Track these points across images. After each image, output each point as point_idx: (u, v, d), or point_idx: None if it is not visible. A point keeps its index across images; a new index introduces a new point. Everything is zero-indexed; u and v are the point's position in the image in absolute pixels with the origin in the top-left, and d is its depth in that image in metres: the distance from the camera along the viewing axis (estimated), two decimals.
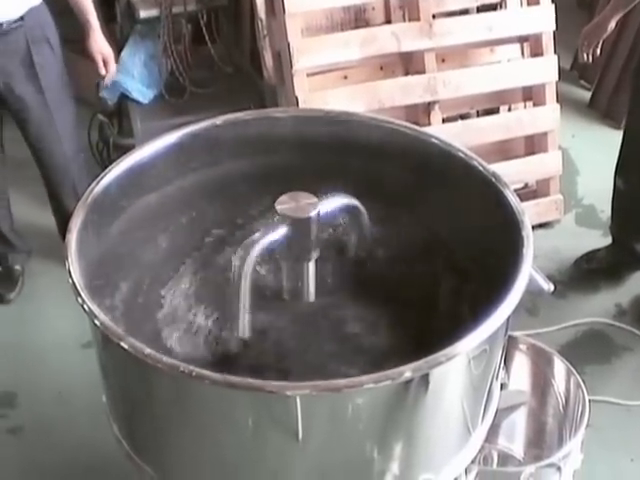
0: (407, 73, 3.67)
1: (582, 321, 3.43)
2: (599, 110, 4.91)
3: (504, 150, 3.86)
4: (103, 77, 3.33)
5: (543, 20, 3.80)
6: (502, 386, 1.90)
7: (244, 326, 1.66)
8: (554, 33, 3.82)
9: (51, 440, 2.96)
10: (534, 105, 3.90)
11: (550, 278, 1.80)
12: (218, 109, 2.29)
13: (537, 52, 3.83)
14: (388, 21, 3.72)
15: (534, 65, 3.84)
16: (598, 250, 3.73)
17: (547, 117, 3.86)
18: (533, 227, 1.73)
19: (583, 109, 4.95)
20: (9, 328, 3.44)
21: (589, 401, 2.39)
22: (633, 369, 3.26)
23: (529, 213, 1.77)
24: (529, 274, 1.63)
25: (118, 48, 3.79)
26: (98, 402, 1.86)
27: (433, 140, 2.00)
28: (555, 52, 3.84)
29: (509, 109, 4.01)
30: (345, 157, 2.04)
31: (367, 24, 3.69)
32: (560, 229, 3.99)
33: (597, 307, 3.52)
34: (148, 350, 1.45)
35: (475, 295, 1.73)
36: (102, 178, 1.84)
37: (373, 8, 3.71)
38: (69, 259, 1.62)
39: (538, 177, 3.98)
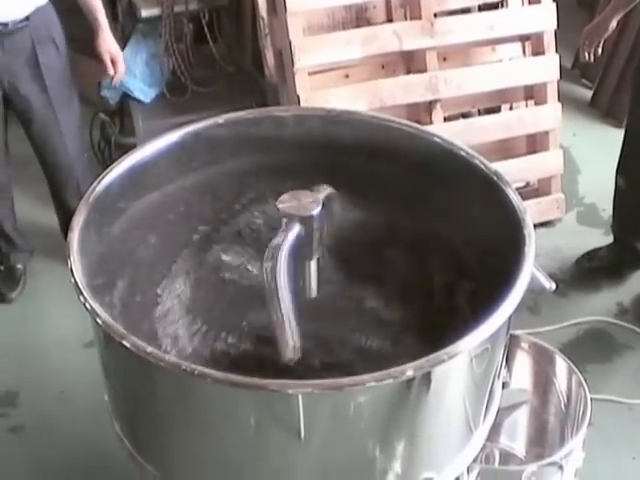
0: (408, 72, 3.67)
1: (584, 320, 3.43)
2: (600, 109, 4.91)
3: (505, 149, 3.85)
4: (111, 77, 3.32)
5: (544, 19, 3.80)
6: (504, 385, 1.91)
7: (294, 345, 1.55)
8: (555, 32, 3.82)
9: (53, 439, 2.96)
10: (535, 104, 3.90)
11: (552, 277, 1.80)
12: (220, 108, 2.30)
13: (538, 51, 3.83)
14: (389, 20, 3.72)
15: (535, 64, 3.83)
16: (600, 249, 3.73)
17: (548, 116, 3.86)
18: (534, 226, 1.73)
19: (584, 108, 4.95)
20: (11, 327, 3.45)
21: (591, 400, 2.38)
22: (635, 368, 3.26)
23: (530, 212, 1.77)
24: (531, 273, 1.63)
25: (120, 47, 3.78)
26: (100, 401, 1.86)
27: (435, 139, 2.00)
28: (556, 51, 3.84)
29: (510, 108, 4.01)
30: (346, 156, 2.04)
31: (368, 23, 3.70)
32: (561, 228, 3.99)
33: (599, 306, 3.52)
34: (150, 348, 1.46)
35: (477, 293, 1.73)
36: (104, 177, 1.84)
37: (374, 7, 3.71)
38: (71, 258, 1.62)
39: (539, 176, 3.98)
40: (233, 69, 4.22)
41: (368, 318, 1.86)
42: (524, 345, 2.58)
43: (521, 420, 2.60)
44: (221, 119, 2.04)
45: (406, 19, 3.69)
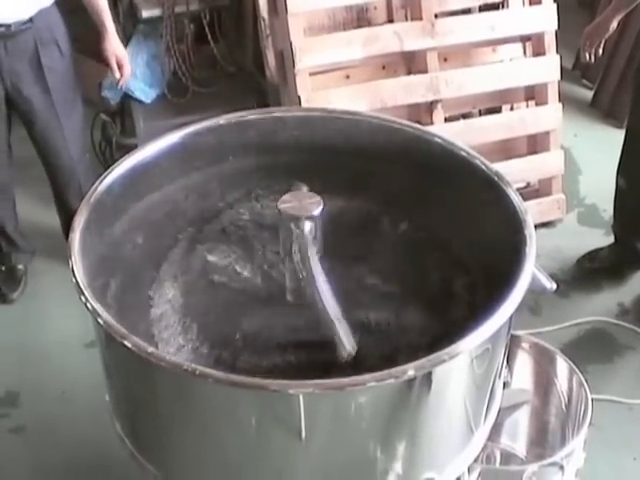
0: (409, 72, 3.67)
1: (584, 320, 3.43)
2: (601, 109, 4.91)
3: (506, 149, 3.86)
4: (117, 80, 3.33)
5: (545, 19, 3.80)
6: (505, 385, 1.91)
7: (349, 341, 1.53)
8: (556, 32, 3.82)
9: (54, 439, 2.96)
10: (536, 104, 3.90)
11: (553, 277, 1.80)
12: (221, 108, 2.30)
13: (539, 51, 3.83)
14: (390, 20, 3.72)
15: (536, 64, 3.84)
16: (600, 249, 3.73)
17: (549, 116, 3.86)
18: (535, 226, 1.73)
19: (585, 108, 4.95)
20: (12, 328, 3.45)
21: (591, 400, 2.39)
22: (635, 368, 3.26)
23: (531, 212, 1.77)
24: (532, 273, 1.63)
25: None
26: (101, 401, 1.86)
27: (436, 139, 2.00)
28: (557, 51, 3.84)
29: (511, 108, 4.01)
30: (347, 156, 2.05)
31: (369, 23, 3.70)
32: (562, 228, 3.99)
33: (599, 306, 3.52)
34: (151, 349, 1.46)
35: (478, 293, 1.73)
36: (105, 178, 1.84)
37: (375, 7, 3.71)
38: (72, 258, 1.62)
39: (540, 176, 3.98)
40: (234, 70, 4.22)
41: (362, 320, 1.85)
42: (525, 345, 2.58)
43: (522, 420, 2.60)
44: (222, 120, 2.04)
45: (407, 20, 3.69)
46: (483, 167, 1.89)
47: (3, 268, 3.64)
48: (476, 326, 1.49)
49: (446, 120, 3.72)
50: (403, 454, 1.60)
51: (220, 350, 1.69)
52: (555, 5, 3.80)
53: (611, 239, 3.73)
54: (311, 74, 3.48)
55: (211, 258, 1.92)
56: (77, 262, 1.62)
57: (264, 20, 3.84)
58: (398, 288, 1.84)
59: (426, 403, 1.55)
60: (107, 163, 4.02)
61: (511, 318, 1.59)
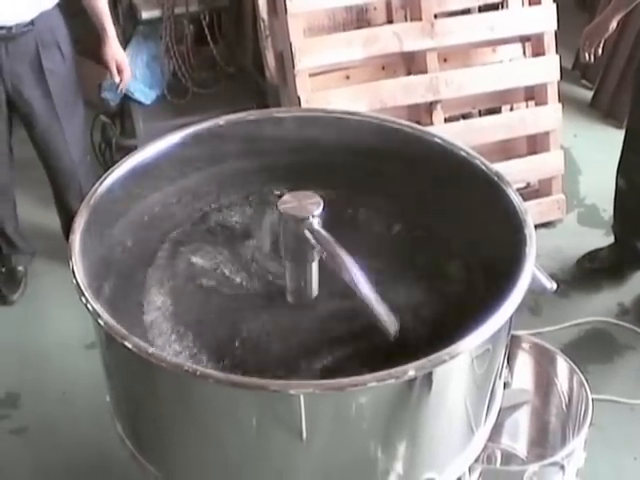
0: (409, 73, 3.67)
1: (585, 320, 3.43)
2: (601, 110, 4.91)
3: (506, 150, 3.86)
4: (117, 84, 3.34)
5: (545, 20, 3.80)
6: (505, 385, 1.90)
7: (392, 318, 1.55)
8: (556, 33, 3.83)
9: (55, 440, 2.96)
10: (536, 105, 3.90)
11: (553, 277, 1.80)
12: (220, 109, 2.30)
13: (539, 52, 3.84)
14: (390, 21, 3.72)
15: (536, 65, 3.84)
16: (600, 249, 3.73)
17: (549, 117, 3.87)
18: (535, 226, 1.73)
19: (585, 109, 4.96)
20: (12, 329, 3.45)
21: (592, 400, 2.39)
22: (636, 368, 3.26)
23: (531, 212, 1.77)
24: (532, 273, 1.63)
25: None
26: (102, 402, 1.86)
27: (435, 139, 2.00)
28: (557, 52, 3.84)
29: (511, 109, 4.01)
30: (347, 156, 2.04)
31: (369, 24, 3.70)
32: (562, 228, 4.00)
33: (600, 306, 3.53)
34: (152, 349, 1.46)
35: (478, 294, 1.73)
36: (105, 179, 1.84)
37: (375, 8, 3.72)
38: (73, 259, 1.62)
39: (540, 177, 3.98)
40: (234, 70, 4.23)
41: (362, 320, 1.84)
42: (525, 345, 2.58)
43: (522, 420, 2.60)
44: (222, 120, 2.04)
45: (406, 20, 3.69)
46: (483, 167, 1.89)
47: (3, 269, 3.64)
48: (476, 326, 1.49)
49: (446, 120, 3.73)
50: (404, 454, 1.60)
51: (219, 357, 1.68)
52: (554, 5, 3.80)
53: (611, 239, 3.73)
54: (311, 75, 3.48)
55: (196, 261, 1.90)
56: (77, 263, 1.61)
57: (264, 21, 3.84)
58: (397, 287, 1.84)
59: (427, 403, 1.55)
60: (107, 164, 4.03)
61: (511, 318, 1.59)
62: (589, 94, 5.05)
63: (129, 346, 1.46)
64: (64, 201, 3.47)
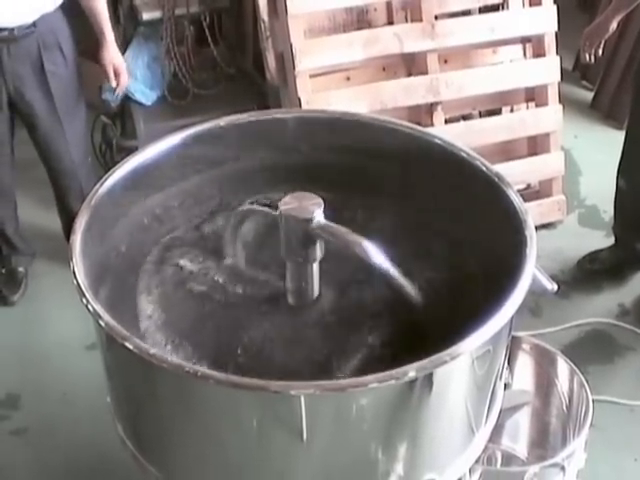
0: (409, 74, 3.67)
1: (585, 321, 3.43)
2: (601, 111, 4.91)
3: (506, 151, 3.86)
4: (114, 89, 3.35)
5: (545, 21, 3.80)
6: (506, 386, 1.90)
7: (412, 288, 1.66)
8: (556, 34, 3.83)
9: (55, 441, 2.96)
10: (536, 106, 3.90)
11: (553, 278, 1.80)
12: (221, 110, 2.30)
13: (539, 53, 3.84)
14: (390, 22, 3.73)
15: (536, 66, 3.84)
16: (601, 250, 3.73)
17: (549, 118, 3.87)
18: (536, 228, 1.73)
19: (585, 110, 4.96)
20: (13, 330, 3.45)
21: (592, 401, 2.39)
22: (636, 369, 3.26)
23: (532, 214, 1.77)
24: (532, 274, 1.63)
25: (121, 50, 3.80)
26: (102, 403, 1.86)
27: (436, 140, 2.00)
28: (557, 53, 3.84)
29: (511, 110, 4.02)
30: (347, 157, 2.05)
31: (369, 25, 3.70)
32: (563, 229, 4.00)
33: (600, 307, 3.53)
34: (153, 350, 1.46)
35: (479, 295, 1.73)
36: (106, 180, 1.84)
37: (375, 9, 3.72)
38: (73, 260, 1.62)
39: (541, 178, 3.98)
40: (234, 72, 4.23)
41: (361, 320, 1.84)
42: (526, 346, 2.59)
43: (523, 421, 2.60)
44: (222, 121, 2.04)
45: (407, 21, 3.70)
46: (483, 168, 1.89)
47: (4, 270, 3.65)
48: (477, 327, 1.49)
49: (446, 122, 3.73)
50: (404, 455, 1.60)
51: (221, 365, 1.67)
52: (555, 6, 3.80)
53: (611, 240, 3.73)
54: (311, 76, 3.48)
55: (187, 266, 1.89)
56: (78, 264, 1.61)
57: (264, 22, 3.85)
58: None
59: (427, 404, 1.55)
60: (107, 165, 4.04)
61: (512, 319, 1.59)
62: (589, 95, 5.06)
63: (130, 347, 1.46)
64: (65, 202, 3.47)
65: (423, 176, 1.98)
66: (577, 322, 3.41)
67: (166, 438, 1.67)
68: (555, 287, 1.79)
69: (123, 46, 3.95)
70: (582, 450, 2.34)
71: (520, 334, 2.59)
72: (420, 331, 1.72)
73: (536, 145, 3.91)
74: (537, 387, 2.59)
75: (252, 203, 1.92)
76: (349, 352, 1.68)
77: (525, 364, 2.59)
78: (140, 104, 4.04)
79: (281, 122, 2.11)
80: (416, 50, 3.61)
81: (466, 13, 3.86)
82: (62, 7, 3.11)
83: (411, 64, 3.67)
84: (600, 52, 3.38)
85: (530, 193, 3.94)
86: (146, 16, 3.94)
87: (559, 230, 3.99)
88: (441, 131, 3.52)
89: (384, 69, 3.67)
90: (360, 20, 3.72)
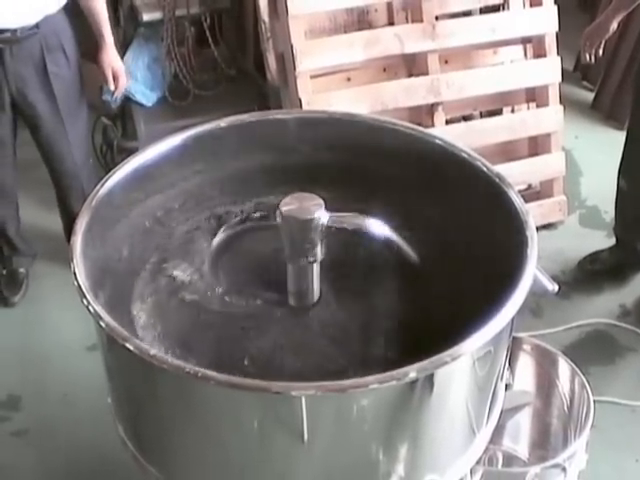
0: (410, 75, 3.67)
1: (586, 322, 3.43)
2: (602, 111, 4.91)
3: (507, 151, 3.86)
4: (113, 91, 3.35)
5: (546, 21, 3.80)
6: (507, 387, 1.90)
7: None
8: (557, 34, 3.82)
9: (56, 442, 2.96)
10: (537, 106, 3.90)
11: (554, 279, 1.80)
12: (222, 111, 2.29)
13: (540, 53, 3.84)
14: (391, 23, 3.73)
15: (537, 66, 3.84)
16: (602, 251, 3.73)
17: (550, 118, 3.87)
18: (537, 228, 1.73)
19: (586, 110, 4.96)
20: (14, 331, 3.45)
21: (593, 402, 2.39)
22: (637, 370, 3.26)
23: (533, 214, 1.77)
24: (533, 275, 1.63)
25: (122, 51, 3.80)
26: (103, 404, 1.86)
27: (437, 141, 2.00)
28: (558, 53, 3.84)
29: (512, 110, 4.01)
30: (348, 158, 2.04)
31: (370, 26, 3.70)
32: (564, 230, 3.99)
33: (601, 308, 3.52)
34: (154, 351, 1.46)
35: (480, 296, 1.73)
36: (106, 181, 1.84)
37: (376, 10, 3.72)
38: (74, 261, 1.62)
39: (541, 178, 3.98)
40: (235, 72, 4.23)
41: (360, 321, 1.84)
42: (527, 347, 2.58)
43: (524, 422, 2.60)
44: (223, 122, 2.04)
45: (408, 22, 3.70)
46: (484, 169, 1.89)
47: (4, 271, 3.65)
48: (478, 328, 1.49)
49: (447, 122, 3.73)
50: (405, 456, 1.60)
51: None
52: (556, 7, 3.80)
53: (612, 241, 3.73)
54: (312, 77, 3.48)
55: (178, 275, 1.87)
56: (79, 265, 1.61)
57: (265, 23, 3.85)
58: (397, 289, 1.84)
59: (428, 405, 1.55)
60: (108, 166, 4.03)
61: (513, 320, 1.59)
62: (590, 96, 5.05)
63: (130, 348, 1.46)
64: (66, 203, 3.47)
65: (424, 177, 1.98)
66: (578, 323, 3.41)
67: (167, 439, 1.67)
68: (556, 288, 1.79)
69: (123, 47, 3.95)
70: (583, 451, 2.34)
71: (521, 335, 2.59)
72: (420, 331, 1.72)
73: (537, 146, 3.91)
74: (538, 388, 2.59)
75: (243, 221, 1.89)
76: (353, 354, 1.68)
77: (526, 365, 2.59)
78: (141, 105, 4.04)
79: (282, 123, 2.11)
80: (417, 51, 3.61)
81: (467, 14, 3.86)
82: (65, 9, 3.11)
83: (412, 65, 3.67)
84: (600, 52, 3.38)
85: (531, 194, 3.94)
86: (146, 17, 3.94)
87: (560, 231, 3.99)
88: (442, 132, 3.52)
89: (385, 70, 3.67)
90: (361, 21, 3.72)
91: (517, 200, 1.79)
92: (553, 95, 3.86)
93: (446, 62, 3.73)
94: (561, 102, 3.89)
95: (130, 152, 2.06)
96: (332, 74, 3.58)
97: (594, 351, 3.30)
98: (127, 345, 1.46)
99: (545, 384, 2.58)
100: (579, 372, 2.49)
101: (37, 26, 3.02)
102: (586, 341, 3.36)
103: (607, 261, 3.70)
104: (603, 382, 3.07)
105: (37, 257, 3.71)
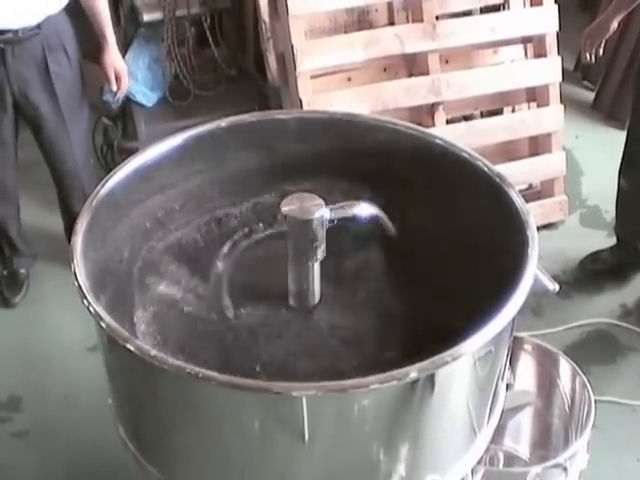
0: (411, 74, 3.67)
1: (587, 321, 3.43)
2: (603, 111, 4.91)
3: (508, 151, 3.86)
4: (115, 92, 3.35)
5: (546, 21, 3.80)
6: (508, 387, 1.90)
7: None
8: (557, 34, 3.82)
9: (57, 443, 2.96)
10: (538, 106, 3.90)
11: (555, 279, 1.80)
12: (222, 111, 2.29)
13: (540, 53, 3.83)
14: (391, 23, 3.73)
15: (538, 66, 3.84)
16: (603, 250, 3.73)
17: (551, 118, 3.87)
18: (537, 228, 1.73)
19: (587, 110, 4.96)
20: (14, 331, 3.45)
21: (595, 401, 2.39)
22: (638, 369, 3.26)
23: (533, 214, 1.77)
24: (534, 274, 1.63)
25: (122, 52, 3.80)
26: (104, 405, 1.86)
27: (437, 141, 2.00)
28: (558, 53, 3.84)
29: (513, 110, 4.01)
30: (348, 158, 2.04)
31: (370, 26, 3.70)
32: (565, 230, 3.99)
33: (602, 307, 3.52)
34: (154, 352, 1.46)
35: (480, 296, 1.73)
36: (107, 181, 1.84)
37: (376, 10, 3.72)
38: (75, 261, 1.62)
39: (542, 178, 3.98)
40: (235, 73, 4.23)
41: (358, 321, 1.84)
42: (528, 347, 2.58)
43: (525, 422, 2.60)
44: (224, 122, 2.04)
45: (408, 22, 3.70)
46: (485, 169, 1.89)
47: (5, 272, 3.65)
48: (479, 328, 1.49)
49: (448, 122, 3.73)
50: (406, 456, 1.60)
51: None
52: (556, 6, 3.80)
53: (613, 240, 3.73)
54: (312, 77, 3.48)
55: (166, 289, 1.85)
56: (79, 265, 1.61)
57: (265, 23, 3.85)
58: (398, 289, 1.84)
59: (429, 405, 1.54)
60: (109, 167, 4.03)
61: (514, 320, 1.59)
62: (591, 95, 5.05)
63: (131, 349, 1.46)
64: (68, 203, 3.47)
65: (424, 177, 1.98)
66: (579, 322, 3.41)
67: (168, 440, 1.67)
68: (557, 287, 1.79)
69: (124, 48, 3.95)
70: (584, 451, 2.33)
71: (522, 334, 2.59)
72: (421, 331, 1.72)
73: (537, 145, 3.91)
74: (539, 388, 2.58)
75: (247, 235, 1.80)
76: (355, 354, 1.68)
77: (527, 365, 2.59)
78: (141, 105, 4.04)
79: (282, 123, 2.11)
80: (417, 50, 3.60)
81: (467, 13, 3.86)
82: (66, 9, 3.11)
83: (412, 65, 3.67)
84: (601, 52, 3.37)
85: (532, 193, 3.94)
86: (147, 17, 3.94)
87: (561, 230, 3.99)
88: (442, 131, 3.52)
89: (385, 70, 3.67)
90: (361, 21, 3.72)
91: (518, 200, 1.79)
92: (554, 95, 3.86)
93: (446, 62, 3.73)
94: (562, 102, 3.89)
95: (130, 152, 2.06)
96: (332, 74, 3.58)
97: (595, 351, 3.30)
98: (128, 346, 1.46)
99: (546, 384, 2.57)
100: (580, 372, 2.49)
101: (39, 26, 3.02)
102: (587, 341, 3.36)
103: (608, 261, 3.70)
104: (604, 382, 3.07)
105: (38, 258, 3.71)
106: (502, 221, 1.78)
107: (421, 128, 2.09)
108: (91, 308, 1.53)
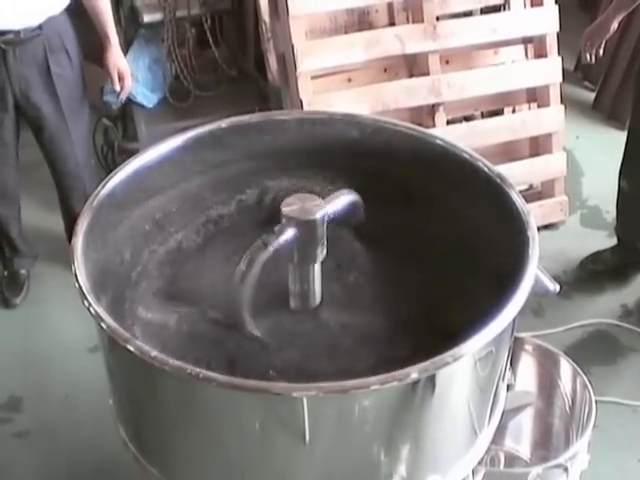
0: (411, 75, 3.67)
1: (588, 322, 3.42)
2: (603, 111, 4.91)
3: (508, 152, 3.85)
4: (118, 93, 3.35)
5: (547, 21, 3.80)
6: (508, 387, 1.90)
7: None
8: (558, 34, 3.82)
9: (57, 444, 2.96)
10: (538, 106, 3.90)
11: (555, 279, 1.80)
12: (222, 112, 2.30)
13: (541, 53, 3.83)
14: (392, 23, 3.72)
15: (538, 66, 3.84)
16: (603, 251, 3.73)
17: (551, 118, 3.86)
18: (538, 228, 1.73)
19: (587, 110, 4.95)
20: (15, 332, 3.45)
21: (595, 402, 2.38)
22: (639, 369, 3.26)
23: (534, 214, 1.77)
24: (535, 275, 1.63)
25: (122, 52, 3.80)
26: (104, 405, 1.86)
27: (438, 141, 2.00)
28: (559, 53, 3.84)
29: (513, 111, 4.01)
30: (349, 159, 2.04)
31: (371, 26, 3.70)
32: (565, 230, 3.99)
33: (603, 308, 3.52)
34: (155, 352, 1.46)
35: (481, 296, 1.73)
36: (107, 182, 1.84)
37: (377, 10, 3.71)
38: (75, 262, 1.62)
39: (543, 178, 3.98)
40: (236, 73, 4.23)
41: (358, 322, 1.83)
42: (528, 347, 2.58)
43: (526, 422, 2.60)
44: (224, 123, 2.04)
45: (408, 22, 3.69)
46: (485, 169, 1.89)
47: (6, 273, 3.65)
48: (479, 328, 1.49)
49: (448, 123, 3.73)
50: (407, 457, 1.60)
51: None
52: (556, 7, 3.80)
53: (614, 241, 3.73)
54: (313, 77, 3.48)
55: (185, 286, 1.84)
56: (80, 266, 1.61)
57: (265, 23, 3.85)
58: (398, 289, 1.84)
59: (430, 406, 1.54)
60: (109, 167, 4.03)
61: (514, 320, 1.59)
62: (591, 96, 5.05)
63: (132, 349, 1.46)
64: (68, 204, 3.48)
65: (425, 177, 1.98)
66: (580, 323, 3.41)
67: (168, 440, 1.67)
68: (557, 288, 1.79)
69: (124, 48, 3.94)
70: (585, 451, 2.33)
71: (523, 335, 2.59)
72: (422, 331, 1.72)
73: (538, 146, 3.91)
74: (540, 388, 2.58)
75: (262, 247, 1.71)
76: (357, 355, 1.68)
77: (528, 365, 2.59)
78: (141, 106, 4.04)
79: (283, 124, 2.11)
80: (417, 51, 3.60)
81: (467, 14, 3.86)
82: (67, 10, 3.11)
83: (413, 65, 3.67)
84: (601, 52, 3.37)
85: (532, 194, 3.94)
86: (147, 18, 3.94)
87: (561, 231, 3.98)
88: (443, 132, 3.52)
89: (385, 70, 3.67)
90: (361, 21, 3.72)
91: (518, 200, 1.79)
92: (554, 95, 3.86)
93: (447, 62, 3.73)
94: (562, 102, 3.89)
95: (131, 153, 2.07)
96: (333, 75, 3.58)
97: (596, 351, 3.30)
98: (128, 347, 1.46)
99: (547, 384, 2.57)
100: (581, 372, 2.48)
101: (40, 27, 3.02)
102: (588, 341, 3.36)
103: (609, 261, 3.70)
104: (605, 382, 3.07)
105: (38, 258, 3.71)
106: (503, 222, 1.78)
107: (421, 129, 2.10)
108: (92, 309, 1.53)
